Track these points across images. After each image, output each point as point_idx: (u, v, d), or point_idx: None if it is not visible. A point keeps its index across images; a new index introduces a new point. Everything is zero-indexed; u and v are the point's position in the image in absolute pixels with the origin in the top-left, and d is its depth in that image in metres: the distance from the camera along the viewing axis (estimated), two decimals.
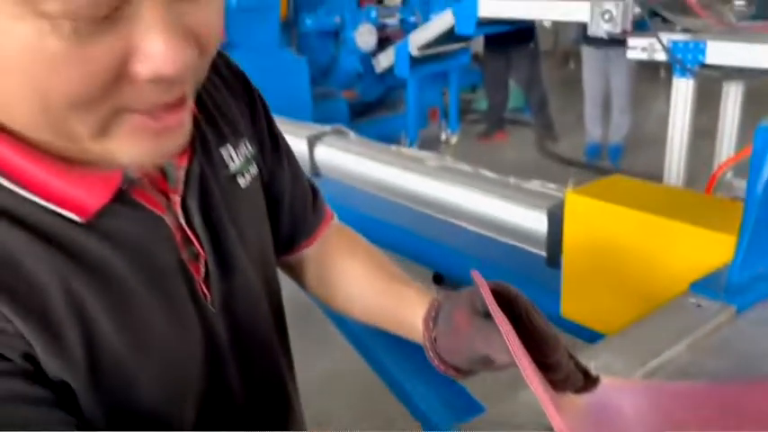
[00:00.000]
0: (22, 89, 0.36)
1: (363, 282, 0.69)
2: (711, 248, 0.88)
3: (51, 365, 0.42)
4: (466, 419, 0.62)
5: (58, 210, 0.44)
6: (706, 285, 0.82)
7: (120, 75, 0.37)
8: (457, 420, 0.64)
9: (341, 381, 1.91)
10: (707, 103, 2.81)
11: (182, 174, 0.51)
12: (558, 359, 0.52)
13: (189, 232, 0.52)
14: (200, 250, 0.53)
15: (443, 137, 4.80)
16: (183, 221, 0.51)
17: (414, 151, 1.57)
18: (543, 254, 1.18)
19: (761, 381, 0.66)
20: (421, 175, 1.41)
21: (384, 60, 4.48)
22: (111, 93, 0.38)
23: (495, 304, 0.52)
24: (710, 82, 2.64)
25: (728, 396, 0.64)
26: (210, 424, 0.54)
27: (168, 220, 0.50)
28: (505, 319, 0.51)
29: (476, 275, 0.56)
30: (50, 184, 0.43)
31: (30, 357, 0.42)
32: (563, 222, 1.10)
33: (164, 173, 0.51)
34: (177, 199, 0.51)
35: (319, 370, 2.02)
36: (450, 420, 0.99)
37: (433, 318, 0.60)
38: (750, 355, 0.70)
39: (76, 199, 0.44)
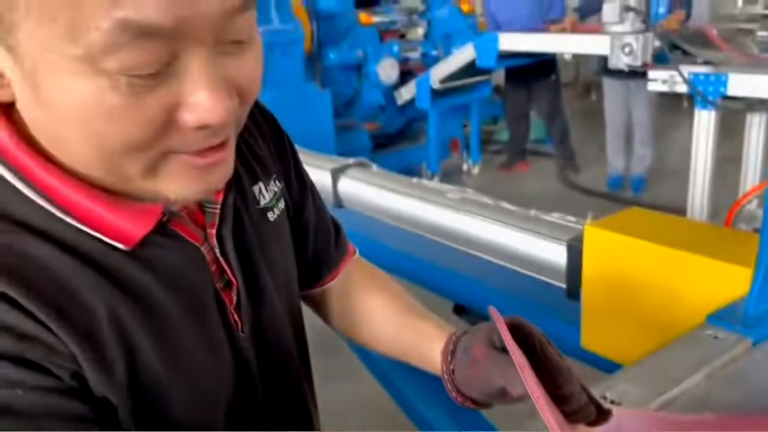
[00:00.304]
0: (81, 136, 0.41)
1: (384, 316, 0.71)
2: (728, 281, 0.89)
3: (96, 384, 0.46)
4: None
5: (105, 238, 0.47)
6: (723, 317, 0.83)
7: (169, 122, 0.41)
8: None
9: (362, 409, 1.92)
10: (732, 131, 2.81)
11: (217, 208, 0.55)
12: (571, 390, 0.54)
13: (223, 262, 0.55)
14: (233, 279, 0.56)
15: (465, 167, 4.83)
16: (217, 252, 0.55)
17: (435, 184, 1.60)
18: (563, 286, 1.20)
19: None
20: (442, 208, 1.44)
21: (406, 93, 4.55)
22: (161, 138, 0.42)
23: (511, 338, 0.54)
24: (733, 113, 2.65)
25: (742, 428, 0.65)
26: None
27: (204, 250, 0.54)
28: (520, 353, 0.53)
29: (493, 312, 0.58)
30: (98, 214, 0.47)
31: (78, 376, 0.45)
32: (582, 255, 1.12)
33: (201, 207, 0.55)
34: (213, 231, 0.55)
35: (341, 397, 2.03)
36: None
37: (451, 351, 0.63)
38: (765, 387, 0.71)
39: (121, 228, 0.48)
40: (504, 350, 0.57)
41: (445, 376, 0.62)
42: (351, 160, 1.73)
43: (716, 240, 1.01)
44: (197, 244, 0.54)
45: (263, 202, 0.62)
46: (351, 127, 4.43)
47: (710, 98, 2.46)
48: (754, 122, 2.59)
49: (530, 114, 4.91)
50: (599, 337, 1.12)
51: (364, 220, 1.64)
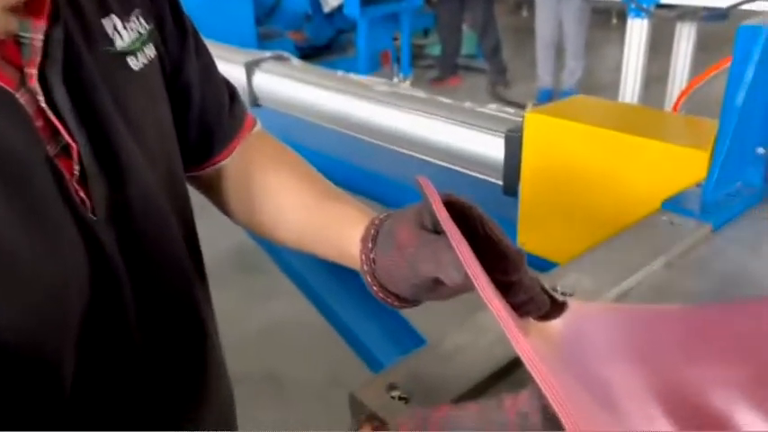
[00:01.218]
0: None
1: (292, 200, 0.58)
2: (683, 166, 0.81)
3: None
4: (408, 353, 0.53)
5: None
6: (679, 203, 0.74)
7: None
8: (399, 354, 0.55)
9: (290, 327, 1.83)
10: (659, 51, 2.77)
11: (39, 39, 0.39)
12: (521, 277, 0.44)
13: (51, 115, 0.40)
14: (71, 141, 0.41)
15: (395, 81, 4.66)
16: (42, 101, 0.40)
17: (361, 77, 1.45)
18: (500, 182, 1.10)
19: (739, 302, 0.59)
20: (369, 102, 1.30)
21: (333, 0, 4.29)
22: None
23: (446, 213, 0.43)
24: (665, 22, 2.59)
25: (706, 319, 0.56)
26: (101, 356, 0.44)
27: (22, 98, 0.39)
28: (457, 230, 0.42)
29: (423, 182, 0.46)
30: None
31: None
32: (521, 146, 1.01)
33: (17, 41, 0.39)
34: (33, 72, 0.39)
35: (269, 316, 1.92)
36: (394, 355, 0.91)
37: (372, 237, 0.50)
38: (728, 275, 0.63)
39: None
40: (436, 232, 0.45)
41: (364, 267, 0.50)
42: (268, 53, 1.55)
43: (666, 125, 0.93)
44: (8, 88, 0.38)
45: (119, 44, 0.46)
46: (273, 36, 4.15)
47: (644, 6, 2.39)
48: (684, 34, 2.56)
49: (462, 27, 4.75)
50: (538, 235, 1.03)
51: (283, 119, 1.48)
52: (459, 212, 0.44)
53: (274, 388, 1.68)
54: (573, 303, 0.47)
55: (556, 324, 0.47)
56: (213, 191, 0.61)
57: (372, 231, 0.50)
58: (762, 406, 0.47)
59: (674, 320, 0.55)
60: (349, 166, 1.42)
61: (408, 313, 1.06)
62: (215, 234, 2.25)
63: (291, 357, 1.74)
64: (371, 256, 0.49)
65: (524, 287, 0.43)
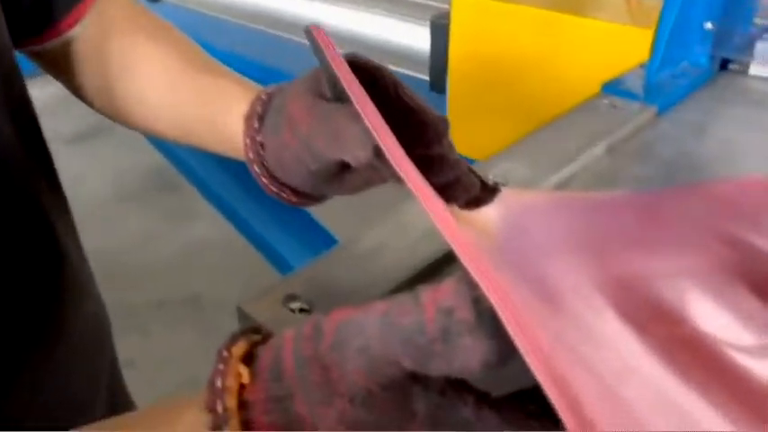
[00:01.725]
0: None
1: (157, 75, 0.46)
2: (624, 46, 0.73)
3: None
4: (319, 254, 0.45)
5: None
6: (621, 86, 0.67)
7: None
8: (310, 257, 0.46)
9: (210, 248, 1.72)
10: None
11: None
12: (445, 152, 0.35)
13: None
14: None
15: None
16: None
17: None
18: (426, 78, 1.00)
19: (685, 187, 0.52)
20: None
21: None
22: None
23: (351, 74, 0.33)
24: None
25: (654, 206, 0.50)
26: None
27: None
28: (363, 92, 0.32)
29: (317, 33, 0.36)
30: None
31: None
32: (449, 34, 0.91)
33: None
34: None
35: (188, 238, 1.80)
36: (305, 258, 0.83)
37: (258, 115, 0.40)
38: (674, 159, 0.56)
39: None
40: (338, 99, 0.35)
41: (250, 154, 0.39)
42: None
43: (606, 2, 0.84)
44: None
45: None
46: None
47: None
48: None
49: None
50: (469, 134, 0.94)
51: (186, 15, 1.32)
52: (366, 77, 0.35)
53: (195, 311, 1.59)
54: (507, 192, 0.39)
55: (489, 215, 0.38)
56: (62, 70, 0.48)
57: (259, 108, 0.39)
58: (717, 295, 0.40)
59: (620, 208, 0.48)
60: (261, 67, 1.29)
61: (323, 215, 0.97)
62: (131, 153, 2.08)
63: (212, 279, 1.64)
64: (258, 139, 0.39)
65: (449, 163, 0.35)
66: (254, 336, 0.29)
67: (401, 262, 0.42)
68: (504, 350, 0.21)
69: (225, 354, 0.27)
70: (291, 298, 0.39)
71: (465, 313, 0.22)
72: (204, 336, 1.49)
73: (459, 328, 0.22)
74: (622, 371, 0.32)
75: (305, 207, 0.42)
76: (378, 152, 0.33)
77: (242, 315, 0.39)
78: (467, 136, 0.95)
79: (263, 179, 0.39)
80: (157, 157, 1.51)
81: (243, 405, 0.25)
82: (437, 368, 0.22)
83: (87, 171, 2.04)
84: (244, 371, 0.27)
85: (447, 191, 0.34)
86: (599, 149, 0.56)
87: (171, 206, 1.91)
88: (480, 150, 0.91)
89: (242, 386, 0.26)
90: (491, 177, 0.51)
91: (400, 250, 0.43)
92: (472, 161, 0.87)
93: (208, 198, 1.27)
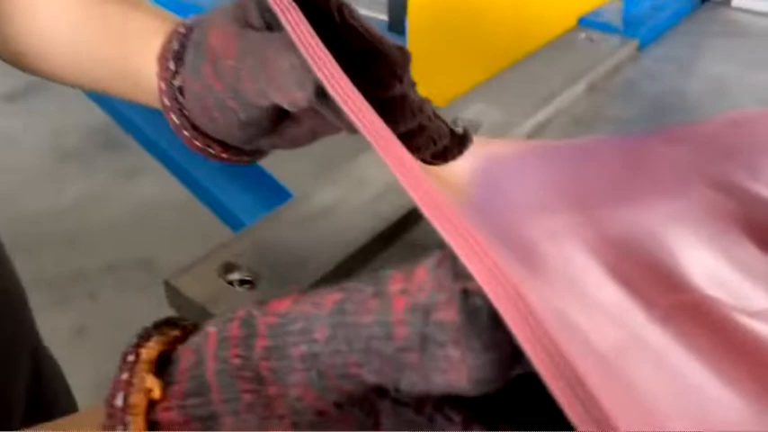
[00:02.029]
0: None
1: (68, 10, 0.38)
2: None
3: None
4: (272, 210, 0.39)
5: None
6: (599, 18, 0.61)
7: None
8: (263, 212, 0.40)
9: (159, 207, 1.63)
10: None
11: None
12: (406, 91, 0.29)
13: None
14: None
15: None
16: None
17: None
18: (384, 17, 0.92)
19: (673, 129, 0.47)
20: None
21: None
22: None
23: None
24: None
25: (640, 151, 0.44)
26: None
27: None
28: (300, 16, 0.25)
29: None
30: None
31: None
32: None
33: None
34: None
35: (136, 197, 1.71)
36: (257, 214, 0.77)
37: (175, 53, 0.32)
38: (658, 98, 0.51)
39: None
40: (269, 28, 0.29)
41: (165, 101, 0.32)
42: None
43: None
44: None
45: None
46: None
47: None
48: None
49: None
50: (432, 79, 0.88)
51: None
52: (304, 1, 0.28)
53: (149, 274, 1.51)
54: (480, 142, 0.33)
55: (459, 169, 0.32)
56: None
57: (175, 44, 0.32)
58: (717, 247, 0.36)
59: (603, 157, 0.43)
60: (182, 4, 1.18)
61: (278, 167, 0.90)
62: (71, 110, 1.95)
63: (165, 241, 1.56)
64: (175, 82, 0.32)
65: (411, 107, 0.28)
66: (171, 331, 0.22)
67: (359, 222, 0.36)
68: (506, 360, 0.15)
69: (130, 358, 0.21)
70: (230, 268, 0.33)
71: (448, 313, 0.15)
72: (159, 301, 1.42)
73: (441, 335, 0.15)
74: (626, 346, 0.27)
75: (244, 164, 0.36)
76: (321, 92, 0.26)
77: (171, 291, 0.33)
78: (431, 80, 0.88)
79: (185, 132, 0.32)
80: (99, 114, 1.41)
81: (153, 426, 0.19)
82: (410, 383, 0.16)
83: (24, 131, 1.92)
84: (154, 383, 0.20)
85: (409, 141, 0.28)
86: (577, 89, 0.50)
87: (116, 165, 1.81)
88: (448, 96, 0.85)
89: (153, 401, 0.20)
90: (460, 122, 0.45)
91: (358, 209, 0.37)
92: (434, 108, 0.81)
93: (154, 155, 1.18)
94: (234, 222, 0.93)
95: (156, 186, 1.68)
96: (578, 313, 0.28)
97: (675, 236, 0.36)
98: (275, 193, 0.79)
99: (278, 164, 0.47)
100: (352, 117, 0.23)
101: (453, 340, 0.15)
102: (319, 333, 0.18)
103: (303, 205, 0.38)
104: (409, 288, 0.17)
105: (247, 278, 0.33)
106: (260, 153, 0.35)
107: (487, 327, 0.15)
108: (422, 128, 0.29)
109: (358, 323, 0.17)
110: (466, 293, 0.16)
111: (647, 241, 0.35)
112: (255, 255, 0.34)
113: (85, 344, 1.33)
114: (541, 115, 0.47)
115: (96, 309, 1.40)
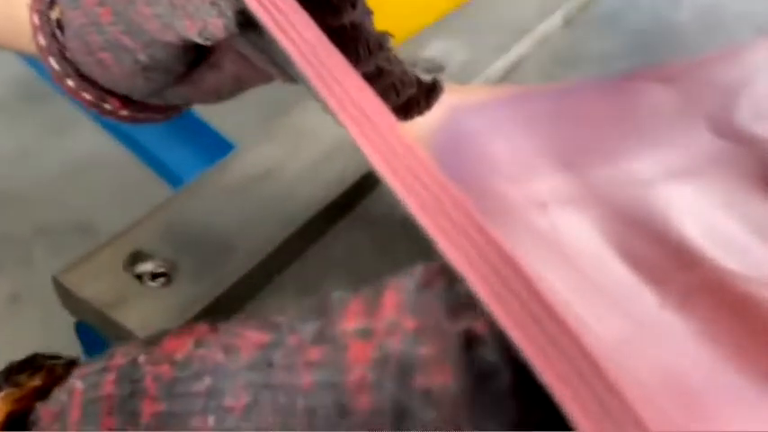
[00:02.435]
0: None
1: None
2: None
3: None
4: (213, 163, 0.32)
5: None
6: None
7: None
8: (204, 165, 0.33)
9: (91, 163, 1.51)
10: None
11: None
12: (359, 18, 0.22)
13: None
14: None
15: None
16: None
17: None
18: None
19: (664, 66, 0.41)
20: None
21: None
22: None
23: None
24: None
25: (625, 94, 0.39)
26: None
27: None
28: None
29: None
30: None
31: None
32: None
33: None
34: None
35: (66, 153, 1.58)
36: (197, 167, 0.70)
37: None
38: (645, 30, 0.45)
39: None
40: None
41: (41, 40, 0.24)
42: None
43: None
44: None
45: None
46: None
47: None
48: None
49: None
50: (382, 10, 0.79)
51: None
52: None
53: (85, 238, 1.41)
54: (449, 90, 0.26)
55: (426, 123, 0.26)
56: None
57: None
58: (732, 198, 0.30)
59: (587, 102, 0.37)
60: None
61: (217, 117, 0.82)
62: None
63: (103, 201, 1.46)
64: (52, 15, 0.24)
65: (368, 39, 0.21)
66: (30, 380, 0.16)
67: (302, 191, 0.29)
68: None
69: None
70: (139, 257, 0.26)
71: (440, 376, 0.09)
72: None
73: (427, 411, 0.09)
74: (628, 339, 0.22)
75: (155, 123, 0.28)
76: (246, 21, 0.19)
77: (61, 291, 0.25)
78: (382, 12, 0.80)
79: (69, 82, 0.25)
80: (20, 65, 1.28)
81: None
82: None
83: None
84: None
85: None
86: (554, 21, 0.44)
87: (43, 119, 1.67)
88: (402, 32, 0.77)
89: None
90: (419, 66, 0.38)
91: (300, 173, 0.30)
92: None
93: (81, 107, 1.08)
94: (173, 179, 0.85)
95: (89, 141, 1.56)
96: (576, 299, 0.22)
97: (682, 196, 0.30)
98: (218, 147, 0.71)
99: (221, 113, 0.40)
100: (287, 45, 0.16)
101: (447, 419, 0.09)
102: (233, 398, 0.11)
103: (231, 170, 0.31)
104: (374, 327, 0.10)
105: (161, 271, 0.26)
106: (173, 109, 0.27)
107: (504, 396, 0.09)
108: (380, 71, 0.22)
109: (293, 385, 0.11)
110: (470, 341, 0.09)
111: (651, 205, 0.29)
112: (170, 239, 0.27)
113: (21, 311, 1.24)
114: (514, 53, 0.41)
115: (30, 275, 1.30)
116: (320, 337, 0.11)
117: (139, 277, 0.26)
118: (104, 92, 0.25)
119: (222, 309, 0.25)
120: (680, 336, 0.24)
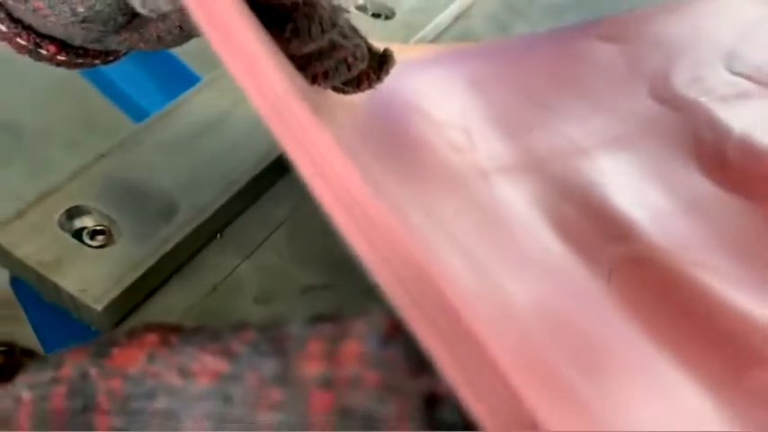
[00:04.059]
0: None
1: None
2: None
3: None
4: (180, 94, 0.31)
5: None
6: None
7: None
8: (171, 97, 0.32)
9: (18, 72, 1.41)
10: None
11: None
12: (315, 4, 0.21)
13: None
14: None
15: None
16: None
17: None
18: None
19: (607, 20, 0.42)
20: None
21: None
22: None
23: None
24: None
25: (568, 54, 0.39)
26: None
27: None
28: None
29: None
30: None
31: None
32: None
33: None
34: None
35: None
36: (164, 99, 0.66)
37: None
38: None
39: None
40: None
41: None
42: None
43: None
44: None
45: None
46: None
47: None
48: None
49: None
50: None
51: None
52: None
53: (12, 138, 1.34)
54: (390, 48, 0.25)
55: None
56: None
57: None
58: (666, 169, 0.32)
59: (534, 61, 0.37)
60: None
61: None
62: None
63: (29, 101, 1.38)
64: None
65: (321, 16, 0.20)
66: None
67: (248, 146, 0.29)
68: None
69: None
70: (75, 212, 0.26)
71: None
72: (29, 164, 1.28)
73: None
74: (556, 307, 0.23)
75: (93, 68, 0.27)
76: None
77: None
78: None
79: (1, 27, 0.23)
80: None
81: None
82: None
83: None
84: None
85: (316, 64, 0.21)
86: None
87: None
88: None
89: None
90: (369, 9, 0.37)
91: (246, 127, 0.30)
92: None
93: None
94: (133, 109, 0.80)
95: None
96: (514, 275, 0.23)
97: (616, 166, 0.31)
98: (180, 77, 0.67)
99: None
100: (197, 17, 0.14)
101: None
102: (193, 423, 0.12)
103: (179, 115, 0.30)
104: (336, 376, 0.11)
105: (101, 227, 0.25)
106: (113, 54, 0.26)
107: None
108: (333, 46, 0.21)
109: (253, 423, 0.11)
110: (431, 401, 0.10)
111: (586, 175, 0.30)
112: (110, 193, 0.26)
113: None
114: (455, 7, 0.40)
115: None
116: (280, 379, 0.11)
117: (78, 235, 0.25)
118: (40, 36, 0.24)
119: (163, 269, 0.25)
120: (601, 306, 0.25)
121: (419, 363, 0.10)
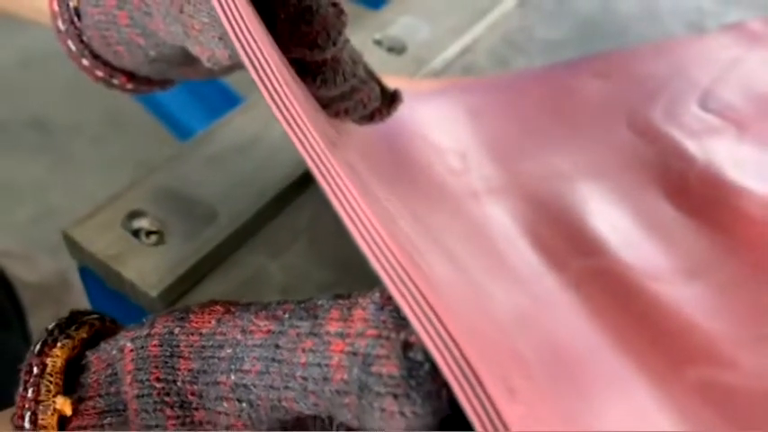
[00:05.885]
0: None
1: None
2: None
3: None
4: (221, 115, 0.36)
5: None
6: None
7: None
8: (211, 117, 0.37)
9: (47, 69, 1.48)
10: None
11: None
12: (339, 52, 0.25)
13: None
14: None
15: None
16: None
17: None
18: None
19: (599, 58, 0.46)
20: None
21: None
22: None
23: None
24: None
25: (560, 89, 0.44)
26: None
27: None
28: None
29: None
30: None
31: None
32: None
33: None
34: None
35: (21, 54, 1.54)
36: (204, 119, 0.72)
37: None
38: (589, 18, 0.50)
39: None
40: None
41: (60, 25, 0.28)
42: None
43: None
44: None
45: None
46: None
47: None
48: None
49: None
50: None
51: None
52: None
53: (42, 135, 1.41)
54: (398, 83, 0.30)
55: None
56: None
57: None
58: (638, 198, 0.36)
59: (529, 95, 0.42)
60: None
61: None
62: None
63: (57, 98, 1.44)
64: (71, 3, 0.27)
65: (344, 68, 0.26)
66: (78, 332, 0.21)
67: (278, 163, 0.34)
68: (442, 409, 0.15)
69: (36, 368, 0.20)
70: (135, 214, 0.31)
71: (389, 367, 0.15)
72: (56, 161, 1.34)
73: (380, 387, 0.15)
74: (527, 314, 0.28)
75: (151, 93, 0.32)
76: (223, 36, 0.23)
77: (70, 243, 0.30)
78: None
79: (84, 61, 0.29)
80: None
81: None
82: (344, 418, 0.16)
83: None
84: (64, 404, 0.19)
85: (338, 104, 0.26)
86: (508, 4, 0.48)
87: None
88: None
89: (64, 416, 0.19)
90: (385, 41, 0.42)
91: (277, 145, 0.35)
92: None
93: None
94: (178, 128, 0.85)
95: (46, 34, 1.52)
96: (493, 279, 0.28)
97: (593, 192, 0.36)
98: (223, 98, 0.73)
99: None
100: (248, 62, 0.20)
101: (392, 394, 0.15)
102: (250, 365, 0.17)
103: (220, 135, 0.35)
104: (348, 332, 0.16)
105: (154, 228, 0.31)
106: (171, 82, 0.31)
107: (427, 381, 0.15)
108: (352, 90, 0.26)
109: (292, 362, 0.17)
110: (407, 346, 0.15)
111: (564, 199, 0.35)
112: (162, 200, 0.32)
113: None
114: (469, 37, 0.45)
115: None
116: (312, 333, 0.17)
117: (136, 234, 0.30)
118: (114, 70, 0.29)
119: (205, 265, 0.30)
120: (572, 316, 0.30)
121: (400, 323, 0.16)
